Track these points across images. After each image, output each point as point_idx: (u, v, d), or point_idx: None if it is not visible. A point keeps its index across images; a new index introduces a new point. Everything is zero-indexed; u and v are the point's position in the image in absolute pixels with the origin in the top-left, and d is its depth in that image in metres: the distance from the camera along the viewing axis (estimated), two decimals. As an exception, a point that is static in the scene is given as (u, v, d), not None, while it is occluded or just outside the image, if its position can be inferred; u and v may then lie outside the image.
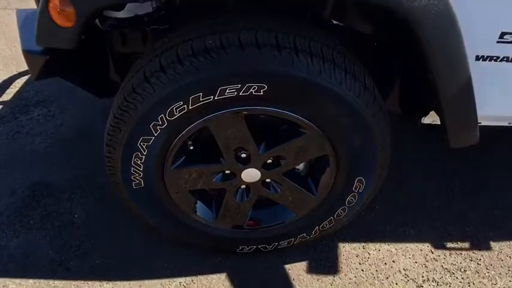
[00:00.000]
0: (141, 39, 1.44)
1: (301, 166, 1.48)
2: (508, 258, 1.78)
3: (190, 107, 1.16)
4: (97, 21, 1.34)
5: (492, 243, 1.83)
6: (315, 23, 1.25)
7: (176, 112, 1.17)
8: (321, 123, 1.23)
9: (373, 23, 1.26)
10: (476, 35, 1.27)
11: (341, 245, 1.76)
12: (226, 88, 1.12)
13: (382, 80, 1.46)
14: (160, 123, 1.19)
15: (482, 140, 2.22)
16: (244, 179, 1.40)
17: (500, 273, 1.71)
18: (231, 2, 1.26)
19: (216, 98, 1.14)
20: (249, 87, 1.12)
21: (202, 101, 1.15)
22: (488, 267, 1.74)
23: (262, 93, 1.13)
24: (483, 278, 1.68)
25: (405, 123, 1.80)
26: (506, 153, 2.24)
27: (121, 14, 1.32)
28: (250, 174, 1.39)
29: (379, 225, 1.84)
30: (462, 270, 1.72)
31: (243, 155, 1.35)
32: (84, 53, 1.33)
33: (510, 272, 1.73)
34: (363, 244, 1.77)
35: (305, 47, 1.11)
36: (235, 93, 1.13)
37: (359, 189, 1.40)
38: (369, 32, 1.31)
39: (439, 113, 1.31)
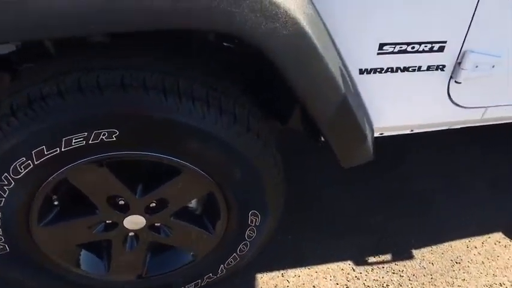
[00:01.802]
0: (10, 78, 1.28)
1: (194, 204, 1.35)
2: (431, 265, 1.73)
3: (36, 162, 1.01)
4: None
5: (414, 251, 1.78)
6: (171, 55, 1.12)
7: (21, 169, 1.02)
8: (191, 160, 1.11)
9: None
10: (355, 49, 1.20)
11: (258, 276, 1.65)
12: (72, 138, 0.98)
13: (281, 100, 1.37)
14: (6, 182, 1.04)
15: (397, 149, 2.24)
16: (128, 227, 1.26)
17: (423, 283, 1.66)
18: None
19: (63, 149, 0.99)
20: (97, 135, 0.98)
21: (48, 154, 1.00)
22: (411, 278, 1.69)
23: (115, 139, 1.00)
24: (405, 292, 1.63)
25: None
26: (422, 161, 2.23)
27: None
28: (134, 221, 1.25)
29: (297, 248, 1.75)
30: (385, 285, 1.65)
31: (121, 202, 1.21)
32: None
33: (433, 279, 1.68)
34: (281, 272, 1.66)
35: (157, 83, 0.98)
36: (84, 142, 0.99)
37: (256, 222, 1.29)
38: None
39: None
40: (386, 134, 1.53)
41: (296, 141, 2.02)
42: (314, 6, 1.06)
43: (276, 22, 0.86)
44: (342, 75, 1.10)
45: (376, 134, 1.50)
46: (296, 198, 1.84)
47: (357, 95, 1.24)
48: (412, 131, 1.55)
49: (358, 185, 2.03)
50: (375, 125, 1.41)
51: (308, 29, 0.92)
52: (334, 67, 1.04)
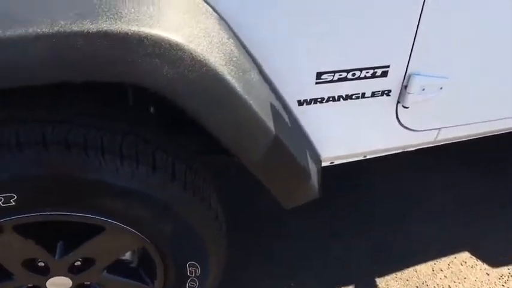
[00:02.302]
0: None
1: (128, 256, 1.23)
2: (396, 294, 1.65)
3: None
4: None
5: (377, 280, 1.70)
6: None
7: None
8: (113, 217, 0.99)
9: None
10: (290, 80, 1.11)
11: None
12: (-39, 205, 0.85)
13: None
14: None
15: (358, 171, 2.14)
16: (52, 290, 1.13)
17: (388, 314, 1.58)
18: None
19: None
20: (-9, 200, 0.85)
21: None
22: (376, 311, 1.60)
23: (14, 203, 0.87)
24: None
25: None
26: (380, 184, 2.16)
27: None
28: (58, 283, 1.11)
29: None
30: (348, 319, 1.56)
31: (41, 264, 1.08)
32: None
33: (399, 309, 1.60)
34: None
35: (60, 137, 0.86)
36: (-24, 209, 0.86)
37: (195, 273, 1.17)
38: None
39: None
40: (337, 162, 1.44)
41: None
42: (237, 40, 0.96)
43: (180, 66, 0.75)
44: (274, 111, 1.00)
45: (326, 163, 1.41)
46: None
47: (296, 128, 1.15)
48: (365, 157, 1.47)
49: (318, 210, 1.94)
50: (323, 156, 1.33)
51: (222, 69, 0.81)
52: (261, 105, 0.94)
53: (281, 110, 1.07)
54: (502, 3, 1.18)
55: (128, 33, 0.72)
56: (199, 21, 0.85)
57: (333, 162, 1.43)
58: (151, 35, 0.72)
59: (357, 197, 2.03)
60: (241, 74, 0.89)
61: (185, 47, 0.75)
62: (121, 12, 0.74)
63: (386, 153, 1.49)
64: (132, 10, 0.75)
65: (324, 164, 1.40)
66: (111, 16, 0.73)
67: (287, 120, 1.09)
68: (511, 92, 1.41)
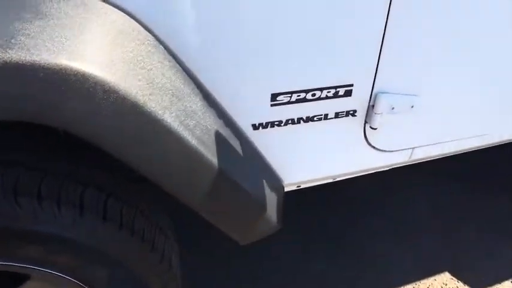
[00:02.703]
0: None
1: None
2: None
3: None
4: None
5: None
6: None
7: None
8: (40, 265, 0.87)
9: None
10: (242, 103, 0.99)
11: None
12: None
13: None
14: None
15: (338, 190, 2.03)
16: None
17: None
18: None
19: None
20: None
21: None
22: None
23: None
24: None
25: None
26: (360, 204, 2.06)
27: None
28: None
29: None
30: None
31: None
32: None
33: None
34: None
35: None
36: None
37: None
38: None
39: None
40: (304, 186, 1.33)
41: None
42: (175, 64, 0.84)
43: (90, 100, 0.63)
44: (219, 140, 0.89)
45: (292, 188, 1.30)
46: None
47: (250, 156, 1.03)
48: (334, 179, 1.36)
49: (291, 233, 1.83)
50: (286, 181, 1.22)
51: (143, 99, 0.69)
52: (201, 136, 0.82)
53: (231, 137, 0.96)
54: (471, 18, 1.08)
55: (20, 62, 0.60)
56: (123, 46, 0.73)
57: (299, 186, 1.32)
58: (49, 64, 0.60)
59: (334, 217, 1.93)
60: (174, 102, 0.77)
61: (94, 76, 0.63)
62: (17, 38, 0.62)
63: (359, 175, 1.38)
64: (30, 35, 0.63)
65: (290, 189, 1.30)
66: (2, 43, 0.61)
67: (238, 148, 0.98)
68: (489, 106, 1.32)
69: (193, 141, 0.79)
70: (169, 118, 0.74)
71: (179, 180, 0.81)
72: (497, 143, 1.46)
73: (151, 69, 0.75)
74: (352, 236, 1.83)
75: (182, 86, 0.83)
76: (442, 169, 2.15)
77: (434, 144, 1.33)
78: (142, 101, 0.69)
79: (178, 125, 0.76)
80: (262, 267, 1.68)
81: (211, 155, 0.84)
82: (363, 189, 2.08)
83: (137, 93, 0.69)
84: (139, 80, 0.71)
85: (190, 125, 0.81)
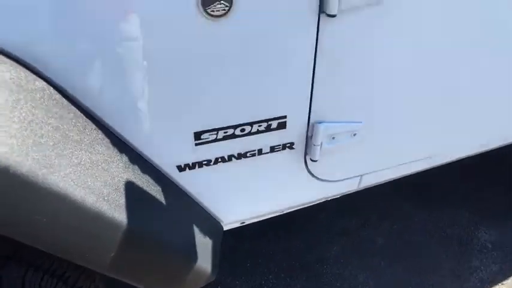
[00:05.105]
0: None
1: None
2: None
3: None
4: None
5: None
6: None
7: None
8: None
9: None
10: (162, 144, 0.89)
11: None
12: None
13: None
14: None
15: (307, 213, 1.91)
16: None
17: None
18: None
19: None
20: None
21: None
22: None
23: None
24: None
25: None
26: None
27: None
28: None
29: None
30: None
31: None
32: None
33: None
34: None
35: None
36: None
37: None
38: None
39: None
40: (249, 222, 1.23)
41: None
42: (76, 110, 0.74)
43: None
44: (129, 191, 0.78)
45: (236, 225, 1.20)
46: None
47: (175, 201, 0.93)
48: (282, 212, 1.27)
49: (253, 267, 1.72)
50: (226, 221, 1.12)
51: (19, 160, 0.58)
52: (101, 192, 0.71)
53: (149, 184, 0.85)
54: (410, 40, 1.02)
55: None
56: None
57: (243, 223, 1.22)
58: None
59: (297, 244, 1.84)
60: (65, 156, 0.66)
61: None
62: None
63: (308, 205, 1.29)
64: None
65: (233, 226, 1.20)
66: None
67: (159, 195, 0.87)
68: (436, 127, 1.26)
69: (90, 201, 0.68)
70: (58, 176, 0.63)
71: (79, 249, 0.69)
72: (448, 162, 1.41)
73: (32, 121, 0.64)
74: (306, 263, 1.74)
75: (78, 136, 0.72)
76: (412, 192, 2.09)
77: (383, 169, 1.26)
78: (15, 161, 0.58)
79: (68, 184, 0.65)
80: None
81: (118, 213, 0.73)
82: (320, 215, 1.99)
83: (7, 152, 0.57)
84: (13, 137, 0.59)
85: (88, 181, 0.70)
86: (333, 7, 0.84)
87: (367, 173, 1.24)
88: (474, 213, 1.95)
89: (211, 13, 0.77)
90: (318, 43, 0.89)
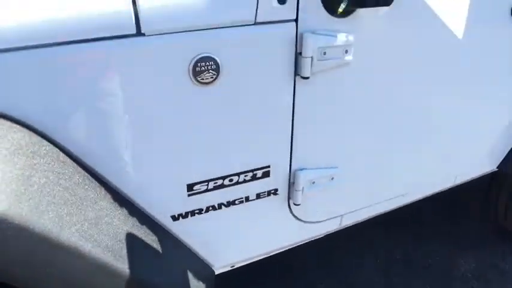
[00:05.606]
0: None
1: None
2: None
3: None
4: None
5: None
6: None
7: None
8: None
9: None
10: (157, 197, 0.98)
11: None
12: None
13: None
14: None
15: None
16: None
17: None
18: None
19: None
20: None
21: None
22: None
23: None
24: None
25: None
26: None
27: None
28: None
29: None
30: None
31: None
32: None
33: None
34: None
35: None
36: None
37: None
38: None
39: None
40: (238, 265, 1.30)
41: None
42: (73, 165, 0.82)
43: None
44: (130, 242, 0.85)
45: (227, 269, 1.27)
46: None
47: (170, 248, 1.00)
48: (269, 254, 1.34)
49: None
50: (217, 265, 1.18)
51: (32, 220, 0.66)
52: (106, 244, 0.79)
53: (146, 234, 0.93)
54: (374, 93, 1.15)
55: None
56: (5, 162, 0.70)
57: (233, 266, 1.29)
58: None
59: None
60: (72, 214, 0.74)
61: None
62: None
63: (294, 246, 1.37)
64: None
65: (223, 270, 1.26)
66: None
67: (156, 244, 0.95)
68: (404, 168, 1.38)
69: (97, 253, 0.76)
70: (57, 226, 0.70)
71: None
72: (421, 198, 1.52)
73: (45, 184, 0.72)
74: None
75: (84, 193, 0.80)
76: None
77: (361, 208, 1.36)
78: (29, 221, 0.65)
79: (78, 239, 0.73)
80: None
81: (121, 263, 0.81)
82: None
83: (22, 213, 0.65)
84: (31, 199, 0.67)
85: (95, 234, 0.77)
86: (306, 70, 0.97)
87: (346, 213, 1.33)
88: (451, 244, 2.05)
89: (201, 81, 0.88)
90: (295, 101, 1.02)
